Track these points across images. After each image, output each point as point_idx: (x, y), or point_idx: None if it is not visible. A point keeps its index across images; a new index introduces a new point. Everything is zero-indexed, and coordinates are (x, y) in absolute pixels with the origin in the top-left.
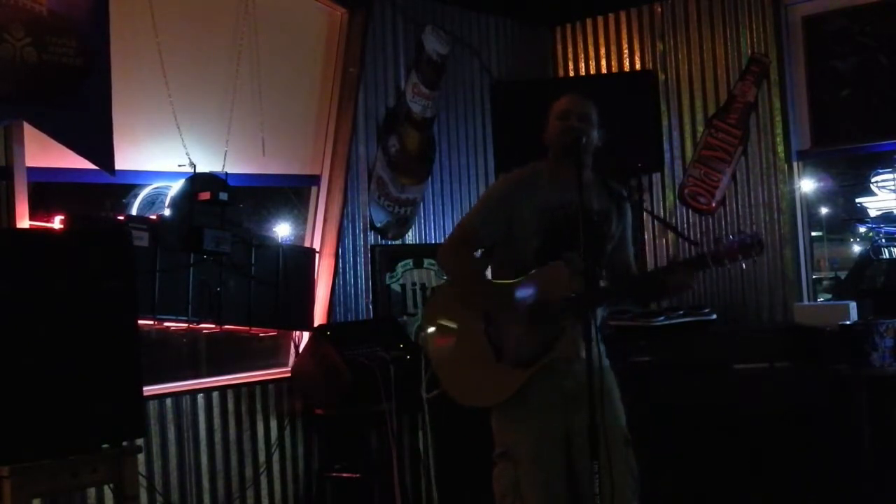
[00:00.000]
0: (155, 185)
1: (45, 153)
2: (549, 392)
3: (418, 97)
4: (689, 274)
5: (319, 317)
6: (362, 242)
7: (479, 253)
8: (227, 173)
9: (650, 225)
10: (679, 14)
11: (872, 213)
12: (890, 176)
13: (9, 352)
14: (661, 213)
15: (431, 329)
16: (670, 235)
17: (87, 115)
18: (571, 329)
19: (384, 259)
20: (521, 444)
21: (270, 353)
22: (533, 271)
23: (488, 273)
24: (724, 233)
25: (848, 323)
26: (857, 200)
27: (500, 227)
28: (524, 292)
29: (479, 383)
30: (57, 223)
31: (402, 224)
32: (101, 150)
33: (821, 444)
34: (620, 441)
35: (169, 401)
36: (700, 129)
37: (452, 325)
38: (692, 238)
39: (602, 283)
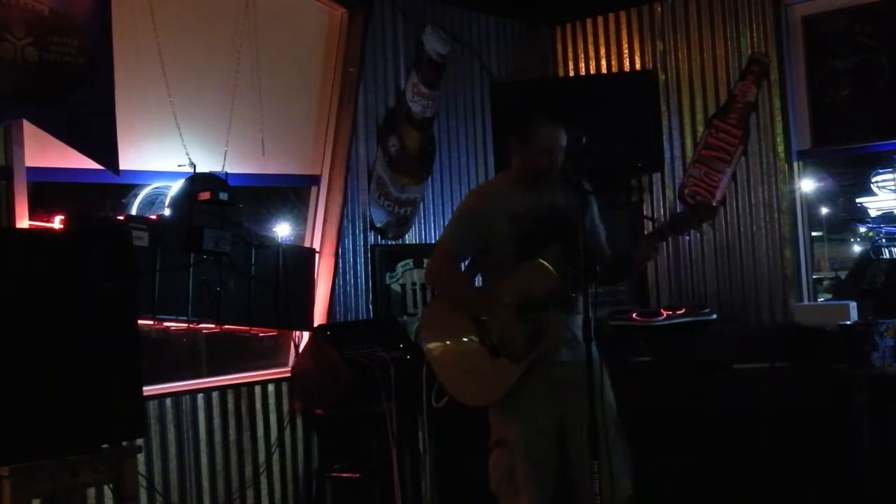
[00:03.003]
0: (155, 185)
1: (45, 153)
2: (541, 382)
3: (418, 97)
4: (651, 245)
5: (319, 317)
6: (362, 242)
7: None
8: (227, 173)
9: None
10: (679, 14)
11: (872, 213)
12: (890, 176)
13: (8, 351)
14: (662, 213)
15: (430, 344)
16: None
17: (91, 115)
18: (555, 319)
19: (384, 259)
20: (516, 434)
21: (270, 353)
22: (515, 272)
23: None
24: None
25: (848, 323)
26: (857, 200)
27: (475, 239)
28: (509, 292)
29: (480, 383)
30: (57, 223)
31: (402, 224)
32: (105, 149)
33: (821, 444)
34: (613, 428)
35: (169, 401)
36: (700, 129)
37: (447, 336)
38: (690, 237)
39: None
